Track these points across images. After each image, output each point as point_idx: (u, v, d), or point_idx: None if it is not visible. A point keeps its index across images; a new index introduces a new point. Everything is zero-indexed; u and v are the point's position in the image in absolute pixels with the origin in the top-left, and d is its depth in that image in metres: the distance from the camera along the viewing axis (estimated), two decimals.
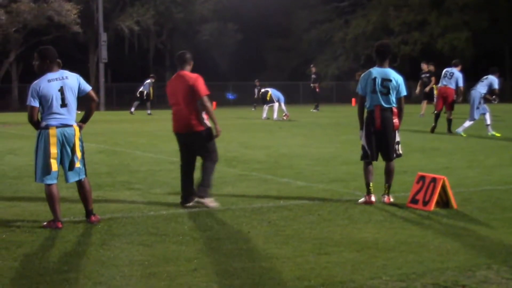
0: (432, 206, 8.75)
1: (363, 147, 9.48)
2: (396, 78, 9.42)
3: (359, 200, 9.32)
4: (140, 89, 36.36)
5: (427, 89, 29.75)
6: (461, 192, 9.93)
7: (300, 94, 54.83)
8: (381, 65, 9.49)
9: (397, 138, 9.49)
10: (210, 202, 8.96)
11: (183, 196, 9.17)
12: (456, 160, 14.14)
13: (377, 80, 9.32)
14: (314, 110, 38.48)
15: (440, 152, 15.58)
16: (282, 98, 30.21)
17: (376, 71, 9.42)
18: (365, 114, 9.47)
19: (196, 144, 9.17)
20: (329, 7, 60.73)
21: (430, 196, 8.81)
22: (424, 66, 30.24)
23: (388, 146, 9.39)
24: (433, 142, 18.11)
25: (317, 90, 39.04)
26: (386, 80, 9.35)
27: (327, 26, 60.21)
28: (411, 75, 45.76)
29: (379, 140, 9.37)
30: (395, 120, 9.38)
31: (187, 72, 9.30)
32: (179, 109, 9.13)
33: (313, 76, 39.37)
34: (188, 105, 9.04)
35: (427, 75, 29.92)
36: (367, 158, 9.43)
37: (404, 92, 9.46)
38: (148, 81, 36.46)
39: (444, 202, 8.91)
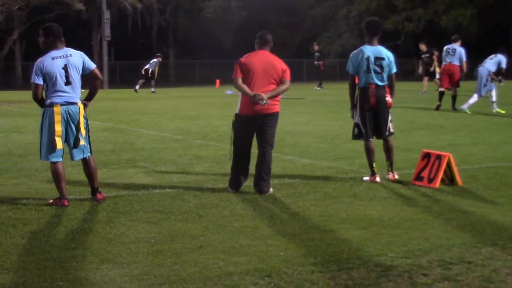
0: (437, 183, 8.75)
1: (356, 125, 9.45)
2: (388, 55, 9.38)
3: (364, 178, 9.33)
4: (146, 67, 36.27)
5: (432, 68, 29.64)
6: (467, 169, 9.92)
7: (304, 71, 54.67)
8: (371, 42, 9.42)
9: (390, 117, 9.46)
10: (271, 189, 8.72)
11: (237, 181, 8.69)
12: (461, 137, 14.12)
13: (370, 59, 9.27)
14: (317, 88, 38.39)
15: (445, 129, 15.56)
16: None
17: (368, 50, 9.35)
18: (357, 92, 9.42)
19: (268, 126, 8.64)
20: None
21: (435, 173, 8.81)
22: (423, 47, 30.11)
23: (382, 124, 9.37)
24: (438, 119, 18.08)
25: (321, 68, 38.87)
26: (379, 59, 9.30)
27: (331, 3, 59.91)
28: (414, 52, 45.69)
29: (373, 118, 9.35)
30: (388, 98, 9.35)
31: (272, 55, 8.80)
32: (263, 91, 8.47)
33: (316, 54, 39.14)
34: (273, 86, 8.57)
35: (427, 55, 29.80)
36: (361, 136, 9.41)
37: (395, 69, 9.43)
38: (155, 60, 36.38)
39: (449, 179, 8.91)
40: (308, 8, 60.70)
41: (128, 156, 11.70)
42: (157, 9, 55.70)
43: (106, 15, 46.01)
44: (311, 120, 18.37)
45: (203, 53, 54.59)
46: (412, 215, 7.28)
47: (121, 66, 53.69)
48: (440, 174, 8.78)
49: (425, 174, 8.94)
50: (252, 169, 8.73)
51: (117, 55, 57.60)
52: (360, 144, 9.76)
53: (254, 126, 8.62)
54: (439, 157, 8.93)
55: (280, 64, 8.71)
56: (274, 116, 8.66)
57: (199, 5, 56.83)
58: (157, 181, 9.37)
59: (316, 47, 39.70)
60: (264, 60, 8.63)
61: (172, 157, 11.56)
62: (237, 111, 8.76)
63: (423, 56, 30.03)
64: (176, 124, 17.21)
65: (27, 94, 26.62)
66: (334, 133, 15.03)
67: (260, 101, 8.36)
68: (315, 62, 39.07)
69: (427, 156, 9.08)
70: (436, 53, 29.18)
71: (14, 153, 12.08)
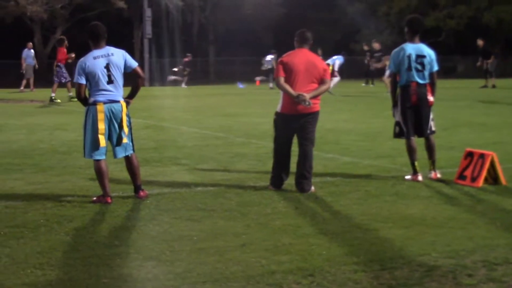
0: (481, 182, 8.66)
1: (398, 124, 9.40)
2: (430, 53, 9.31)
3: (406, 177, 9.27)
4: (264, 67, 37.20)
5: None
6: (510, 168, 9.78)
7: (343, 68, 54.39)
8: (412, 40, 9.36)
9: (432, 115, 9.38)
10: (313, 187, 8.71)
11: (279, 179, 8.70)
12: (505, 135, 13.94)
13: (412, 56, 9.20)
14: (371, 85, 37.40)
15: (488, 127, 15.39)
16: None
17: (410, 47, 9.28)
18: (398, 90, 9.36)
19: (310, 125, 8.65)
20: None
21: (478, 172, 8.72)
22: (480, 43, 30.11)
23: (423, 122, 9.30)
24: (481, 117, 17.88)
25: (379, 67, 31.95)
26: (420, 56, 9.24)
27: None
28: (456, 49, 45.20)
29: (414, 117, 9.28)
30: (430, 97, 9.28)
31: (313, 53, 8.82)
32: (305, 91, 8.45)
33: (376, 54, 32.91)
34: (314, 85, 8.55)
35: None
36: (403, 135, 9.35)
37: (436, 67, 9.35)
38: (272, 56, 36.90)
39: (492, 178, 8.81)
40: (347, 4, 60.37)
41: (170, 153, 11.78)
42: (198, 6, 55.89)
43: (148, 13, 46.23)
44: (352, 117, 18.29)
45: (242, 50, 54.64)
46: (456, 215, 7.22)
47: (161, 64, 53.97)
48: (484, 173, 8.69)
49: (468, 173, 8.86)
50: (293, 167, 8.73)
51: (158, 53, 57.96)
52: (401, 142, 9.71)
53: (295, 125, 8.62)
54: (482, 156, 8.83)
55: (321, 63, 8.70)
56: (315, 115, 8.67)
57: (239, 1, 56.89)
58: (199, 178, 9.41)
59: (377, 46, 33.59)
60: (305, 59, 8.62)
61: (213, 154, 11.61)
62: (278, 109, 8.76)
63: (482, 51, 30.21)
64: (217, 122, 17.27)
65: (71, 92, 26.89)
66: (375, 131, 14.95)
67: (303, 102, 8.36)
68: (374, 65, 33.37)
69: (470, 155, 8.99)
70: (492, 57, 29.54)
71: (58, 150, 12.23)
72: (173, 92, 34.07)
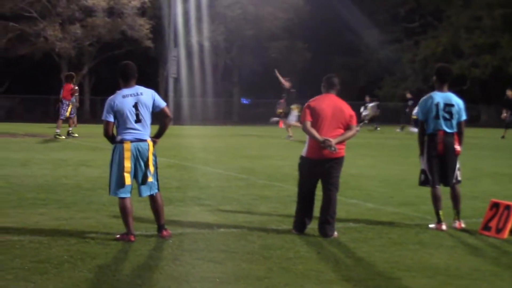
0: (506, 234, 8.58)
1: (423, 172, 9.39)
2: (458, 102, 9.33)
3: (430, 225, 9.22)
4: (367, 113, 38.64)
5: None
6: None
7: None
8: (441, 89, 9.40)
9: (458, 164, 9.36)
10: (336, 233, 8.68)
11: (302, 223, 8.71)
12: None
13: (440, 105, 9.22)
14: (403, 131, 38.01)
15: None
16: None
17: (438, 96, 9.31)
18: (426, 139, 9.36)
19: (335, 170, 8.67)
20: (398, 27, 60.32)
21: (504, 223, 8.65)
22: (510, 93, 30.28)
23: (449, 171, 9.28)
24: (504, 168, 17.76)
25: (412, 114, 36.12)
26: (449, 105, 9.25)
27: (397, 46, 59.77)
28: (480, 98, 45.10)
29: (440, 165, 9.26)
30: (457, 146, 9.27)
31: (340, 99, 8.87)
32: (331, 136, 8.52)
33: (410, 102, 37.80)
34: (340, 131, 8.63)
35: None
36: (428, 183, 9.33)
37: (464, 116, 9.36)
38: (374, 103, 39.12)
39: None
40: (373, 50, 60.65)
41: (193, 193, 11.81)
42: (224, 47, 56.39)
43: (174, 52, 46.76)
44: (375, 163, 18.25)
45: (266, 92, 54.91)
46: (480, 266, 7.15)
47: (186, 103, 54.30)
48: (509, 225, 8.61)
49: (493, 224, 8.79)
50: (316, 211, 8.72)
51: (181, 92, 58.37)
52: (425, 190, 9.67)
53: (320, 170, 8.63)
54: (508, 207, 8.77)
55: (347, 110, 8.75)
56: (340, 160, 8.69)
57: (265, 44, 57.33)
58: (222, 220, 9.42)
59: (409, 95, 39.14)
60: (332, 105, 8.67)
61: (236, 196, 11.63)
62: (303, 154, 8.79)
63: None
64: (239, 163, 17.31)
65: (95, 128, 27.16)
66: (398, 177, 14.90)
67: (329, 147, 8.39)
68: (407, 110, 37.81)
69: (495, 206, 8.93)
70: None
71: (83, 186, 12.31)
72: (197, 132, 34.22)
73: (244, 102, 29.72)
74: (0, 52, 47.39)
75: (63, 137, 24.66)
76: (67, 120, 25.20)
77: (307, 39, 58.29)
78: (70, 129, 25.34)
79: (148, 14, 49.23)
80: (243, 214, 9.91)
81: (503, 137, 30.98)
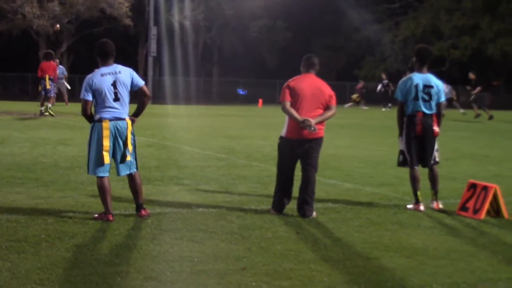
0: (483, 214, 8.65)
1: (402, 153, 9.43)
2: (437, 84, 9.35)
3: (408, 206, 9.26)
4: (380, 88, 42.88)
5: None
6: None
7: (347, 94, 54.55)
8: (420, 70, 9.40)
9: (436, 146, 9.39)
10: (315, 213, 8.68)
11: (281, 203, 8.68)
12: (507, 168, 13.93)
13: (419, 86, 9.23)
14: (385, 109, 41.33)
15: (490, 160, 15.38)
16: None
17: (417, 77, 9.31)
18: (405, 120, 9.38)
19: (314, 150, 8.66)
20: (379, 8, 60.30)
21: (481, 204, 8.71)
22: (472, 76, 31.32)
23: (427, 152, 9.31)
24: (483, 149, 17.88)
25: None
26: (428, 87, 9.27)
27: (377, 27, 59.78)
28: (460, 80, 45.25)
29: (418, 146, 9.29)
30: (435, 127, 9.29)
31: (319, 79, 8.82)
32: (311, 116, 8.49)
33: (384, 82, 43.11)
34: (319, 111, 8.59)
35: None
36: (406, 164, 9.37)
37: (443, 98, 9.40)
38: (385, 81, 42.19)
39: (495, 211, 8.80)
40: (353, 31, 60.64)
41: (172, 173, 11.78)
42: (204, 26, 56.14)
43: (153, 31, 46.47)
44: (355, 144, 18.31)
45: (247, 71, 54.84)
46: (457, 246, 7.20)
47: (166, 82, 54.10)
48: (486, 206, 8.68)
49: (470, 204, 8.85)
50: (295, 191, 8.73)
51: (161, 71, 58.14)
52: (404, 171, 9.70)
53: (299, 150, 8.63)
54: (485, 188, 8.83)
55: (327, 90, 8.73)
56: (319, 140, 8.69)
57: (245, 24, 57.15)
58: (201, 199, 9.41)
59: (384, 76, 44.23)
60: (312, 85, 8.65)
61: (215, 175, 11.61)
62: (282, 134, 8.77)
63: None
64: (219, 143, 17.28)
65: (74, 107, 26.97)
66: (378, 158, 14.95)
67: (309, 127, 8.38)
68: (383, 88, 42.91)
69: (473, 186, 8.98)
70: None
71: (61, 165, 12.23)
72: (176, 111, 34.11)
73: (241, 93, 29.58)
74: None
75: (47, 113, 24.34)
76: (48, 99, 24.93)
77: (288, 19, 58.17)
78: (42, 108, 24.91)
79: None
80: (222, 194, 9.90)
81: (491, 117, 31.13)
